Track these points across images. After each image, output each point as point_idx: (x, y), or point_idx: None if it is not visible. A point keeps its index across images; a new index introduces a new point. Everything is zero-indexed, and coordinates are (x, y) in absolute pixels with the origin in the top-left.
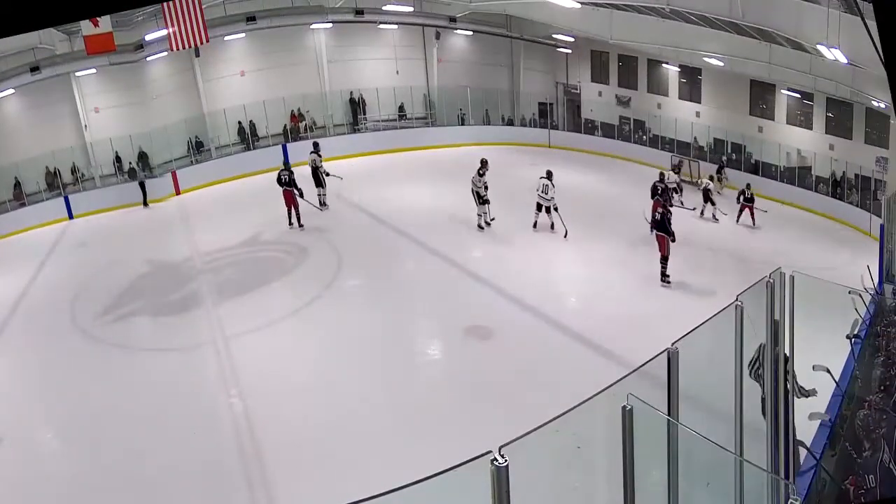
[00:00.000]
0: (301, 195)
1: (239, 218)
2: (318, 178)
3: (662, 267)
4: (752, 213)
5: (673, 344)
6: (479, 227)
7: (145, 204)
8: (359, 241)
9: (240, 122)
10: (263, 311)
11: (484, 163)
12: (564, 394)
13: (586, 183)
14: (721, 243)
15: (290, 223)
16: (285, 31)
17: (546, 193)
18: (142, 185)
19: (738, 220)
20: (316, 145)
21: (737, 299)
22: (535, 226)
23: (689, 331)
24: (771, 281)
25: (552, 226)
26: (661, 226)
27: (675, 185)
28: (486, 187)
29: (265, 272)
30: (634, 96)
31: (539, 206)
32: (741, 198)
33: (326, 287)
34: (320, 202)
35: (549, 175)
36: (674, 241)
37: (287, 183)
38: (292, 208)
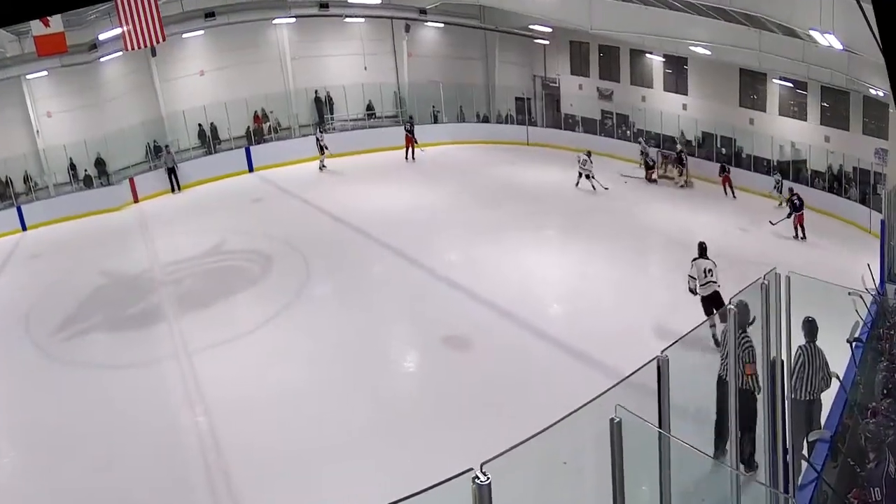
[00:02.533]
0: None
1: (201, 226)
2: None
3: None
4: (801, 223)
5: (663, 351)
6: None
7: (176, 189)
8: (327, 247)
9: (200, 125)
10: (228, 323)
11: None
12: (549, 406)
13: (567, 182)
14: (712, 243)
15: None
16: (246, 27)
17: (584, 165)
18: (171, 172)
19: (797, 234)
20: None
21: (729, 302)
22: (577, 185)
23: (680, 337)
24: (765, 282)
25: (593, 187)
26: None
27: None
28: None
29: (229, 282)
30: (617, 89)
31: (580, 174)
32: (791, 205)
33: (294, 296)
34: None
35: (589, 154)
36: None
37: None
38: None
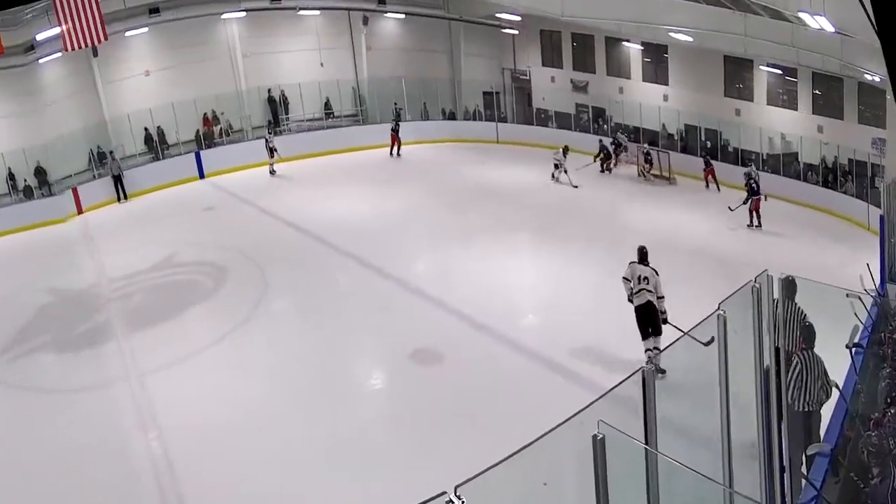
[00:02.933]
0: None
1: (150, 237)
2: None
3: None
4: (757, 208)
5: (648, 362)
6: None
7: (122, 198)
8: (286, 257)
9: (146, 129)
10: (182, 341)
11: None
12: (526, 422)
13: (542, 182)
14: (698, 244)
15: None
16: (193, 22)
17: (557, 156)
18: (117, 180)
19: (752, 222)
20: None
21: (718, 308)
22: (553, 177)
23: (665, 346)
24: (757, 286)
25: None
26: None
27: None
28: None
29: (182, 297)
30: (592, 80)
31: (555, 166)
32: (748, 189)
33: (251, 311)
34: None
35: (566, 149)
36: None
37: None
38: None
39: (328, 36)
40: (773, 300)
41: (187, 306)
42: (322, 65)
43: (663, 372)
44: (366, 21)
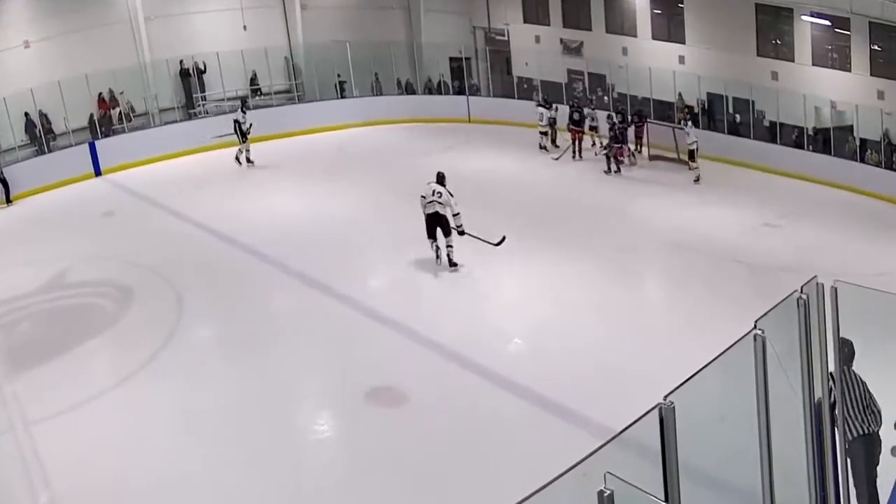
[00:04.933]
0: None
1: (37, 250)
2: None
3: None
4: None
5: (666, 397)
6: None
7: (4, 201)
8: (208, 274)
9: (27, 114)
10: (79, 381)
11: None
12: (515, 476)
13: (525, 172)
14: (723, 243)
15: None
16: None
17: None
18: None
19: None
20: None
21: (755, 326)
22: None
23: (689, 377)
24: (803, 296)
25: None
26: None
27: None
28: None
29: (77, 327)
30: (588, 40)
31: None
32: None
33: (164, 343)
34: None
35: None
36: None
37: None
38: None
39: None
40: (824, 314)
41: (83, 338)
42: (245, 28)
43: (455, 265)
44: None
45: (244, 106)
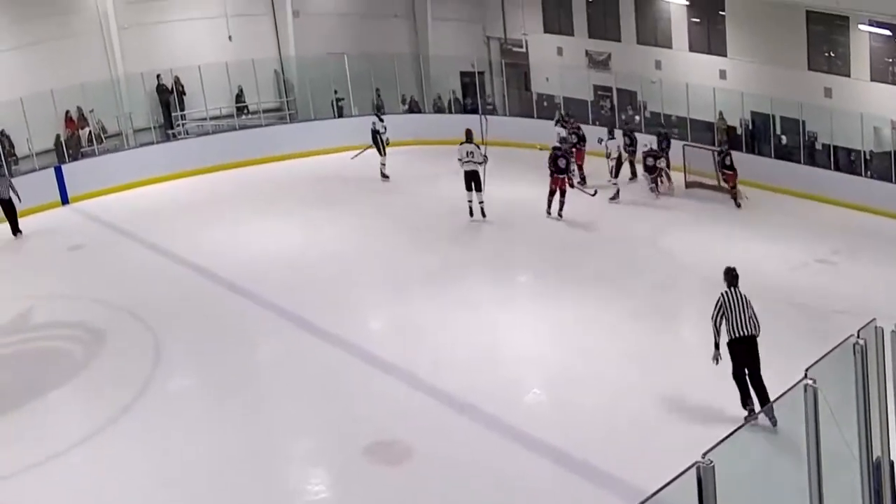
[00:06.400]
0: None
1: None
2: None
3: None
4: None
5: (705, 455)
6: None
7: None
8: (185, 313)
9: None
10: (42, 435)
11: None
12: None
13: (543, 200)
14: (769, 281)
15: None
16: None
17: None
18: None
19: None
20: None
21: (805, 375)
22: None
23: (731, 432)
24: (860, 342)
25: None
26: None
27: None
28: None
29: (39, 373)
30: (616, 52)
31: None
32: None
33: (138, 393)
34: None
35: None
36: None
37: None
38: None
39: None
40: (884, 361)
41: (47, 387)
42: (230, 38)
43: (485, 216)
44: None
45: (380, 113)
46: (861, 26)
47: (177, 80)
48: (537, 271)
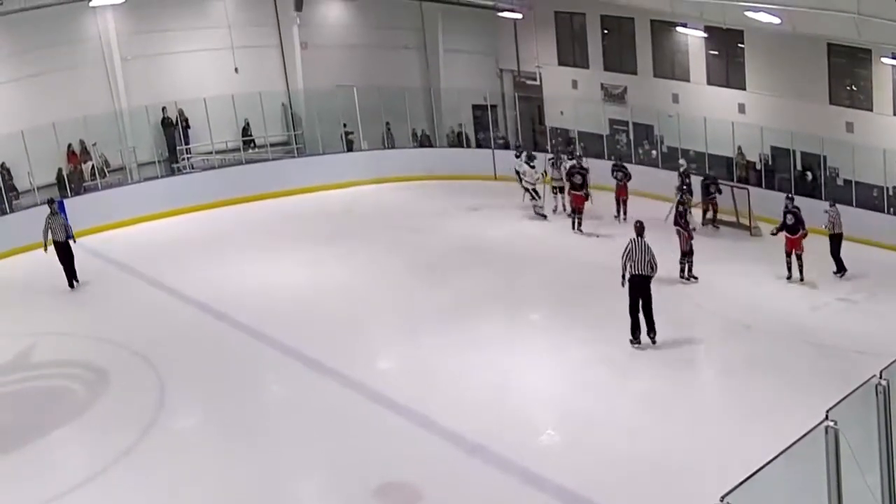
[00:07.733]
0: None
1: None
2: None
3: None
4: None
5: (724, 498)
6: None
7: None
8: (191, 352)
9: None
10: (44, 476)
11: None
12: None
13: (559, 237)
14: (789, 320)
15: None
16: (50, 14)
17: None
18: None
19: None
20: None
21: (826, 417)
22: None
23: (750, 475)
24: (883, 382)
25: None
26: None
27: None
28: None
29: (41, 413)
30: (632, 85)
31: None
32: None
33: (142, 433)
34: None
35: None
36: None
37: None
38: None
39: (245, 29)
40: None
41: (49, 427)
42: (237, 70)
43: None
44: (299, 5)
45: (529, 158)
46: (884, 59)
47: (181, 113)
48: (549, 309)
